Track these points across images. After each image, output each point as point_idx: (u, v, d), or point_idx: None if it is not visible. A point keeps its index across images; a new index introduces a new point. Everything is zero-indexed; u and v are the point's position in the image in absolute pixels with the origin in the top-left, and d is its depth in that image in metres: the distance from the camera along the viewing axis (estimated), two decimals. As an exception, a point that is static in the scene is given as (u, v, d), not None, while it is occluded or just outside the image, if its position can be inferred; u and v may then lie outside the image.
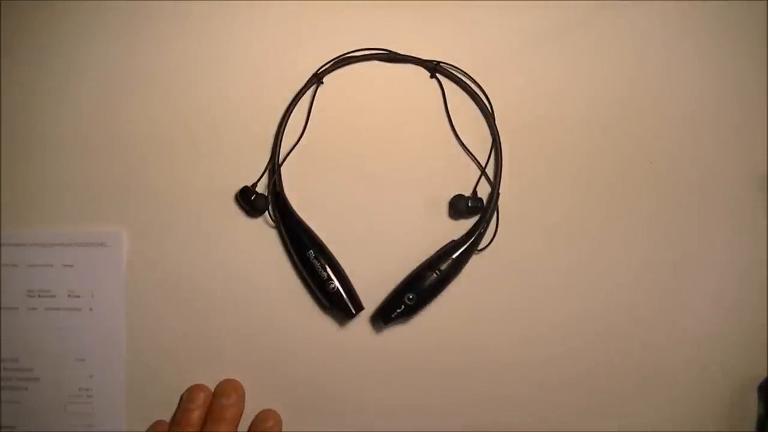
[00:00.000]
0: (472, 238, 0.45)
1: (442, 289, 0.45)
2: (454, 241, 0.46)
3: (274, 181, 0.46)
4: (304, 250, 0.45)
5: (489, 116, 0.47)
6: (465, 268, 0.46)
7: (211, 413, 0.44)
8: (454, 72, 0.48)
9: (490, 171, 0.47)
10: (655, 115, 0.48)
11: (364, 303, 0.45)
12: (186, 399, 0.45)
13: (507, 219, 0.47)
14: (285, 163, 0.47)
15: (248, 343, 0.46)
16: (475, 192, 0.47)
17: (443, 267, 0.45)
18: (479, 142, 0.47)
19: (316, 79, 0.47)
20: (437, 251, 0.46)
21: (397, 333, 0.46)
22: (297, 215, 0.46)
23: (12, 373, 0.46)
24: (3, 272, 0.47)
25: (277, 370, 0.46)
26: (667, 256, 0.47)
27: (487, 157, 0.47)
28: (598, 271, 0.47)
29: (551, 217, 0.47)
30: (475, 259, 0.46)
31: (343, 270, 0.45)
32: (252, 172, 0.47)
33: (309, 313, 0.46)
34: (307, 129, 0.47)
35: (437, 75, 0.48)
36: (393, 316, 0.45)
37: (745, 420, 0.46)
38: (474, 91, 0.47)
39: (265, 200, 0.46)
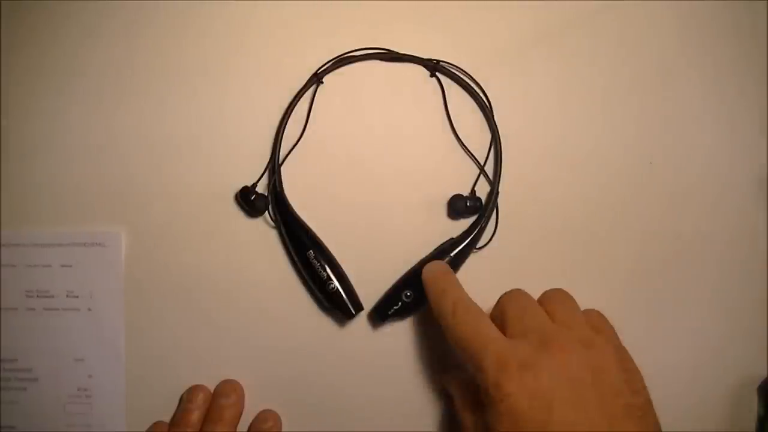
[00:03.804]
0: (471, 237, 0.45)
1: (442, 289, 0.45)
2: (452, 239, 0.46)
3: (274, 181, 0.46)
4: (304, 250, 0.45)
5: (489, 115, 0.47)
6: (463, 266, 0.46)
7: (209, 414, 0.44)
8: (454, 71, 0.48)
9: (489, 170, 0.47)
10: (655, 115, 0.48)
11: (364, 303, 0.45)
12: (186, 399, 0.45)
13: (506, 218, 0.46)
14: (285, 163, 0.47)
15: (248, 344, 0.46)
16: (473, 191, 0.47)
17: (442, 265, 0.45)
18: (479, 141, 0.47)
19: (316, 79, 0.47)
20: (435, 248, 0.46)
21: (397, 333, 0.46)
22: (297, 215, 0.46)
23: (11, 373, 0.46)
24: (2, 272, 0.46)
25: (277, 371, 0.46)
26: (666, 256, 0.47)
27: (486, 156, 0.47)
28: (597, 271, 0.47)
29: (551, 216, 0.47)
30: (473, 258, 0.46)
31: (342, 270, 0.45)
32: (252, 172, 0.47)
33: (309, 313, 0.46)
34: (307, 129, 0.47)
35: (437, 74, 0.48)
36: (390, 312, 0.44)
37: (745, 420, 0.46)
38: (474, 90, 0.47)
39: (265, 200, 0.46)
